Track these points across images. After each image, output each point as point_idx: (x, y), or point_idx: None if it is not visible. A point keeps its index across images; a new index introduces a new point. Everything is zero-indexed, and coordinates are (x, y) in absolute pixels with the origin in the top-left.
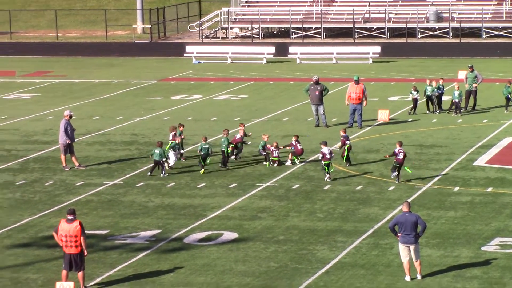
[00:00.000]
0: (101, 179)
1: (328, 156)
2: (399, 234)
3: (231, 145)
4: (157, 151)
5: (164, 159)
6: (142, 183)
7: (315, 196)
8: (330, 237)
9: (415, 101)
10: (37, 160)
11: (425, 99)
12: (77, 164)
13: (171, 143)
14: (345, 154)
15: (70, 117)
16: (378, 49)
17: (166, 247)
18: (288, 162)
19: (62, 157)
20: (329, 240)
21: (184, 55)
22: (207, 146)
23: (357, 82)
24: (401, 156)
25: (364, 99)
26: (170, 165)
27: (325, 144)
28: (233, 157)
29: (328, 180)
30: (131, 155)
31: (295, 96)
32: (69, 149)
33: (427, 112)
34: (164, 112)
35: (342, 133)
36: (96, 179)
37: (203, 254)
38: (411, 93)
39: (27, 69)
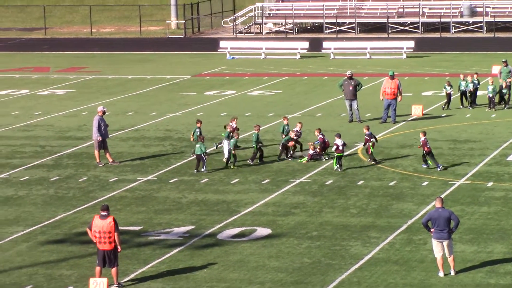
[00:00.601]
0: (134, 175)
1: (341, 148)
2: (432, 230)
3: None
4: (198, 145)
5: (204, 153)
6: (175, 179)
7: (348, 191)
8: (364, 233)
9: (449, 96)
10: (71, 156)
11: (459, 94)
12: (110, 160)
13: (226, 133)
14: (370, 150)
15: (104, 113)
16: (412, 44)
17: (199, 243)
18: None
19: (96, 153)
20: (362, 236)
21: (218, 50)
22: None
23: (392, 77)
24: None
25: (398, 94)
26: (225, 157)
27: (339, 136)
28: (289, 157)
29: (339, 170)
30: (165, 151)
31: (329, 91)
32: (103, 145)
33: (461, 107)
34: (197, 107)
35: (365, 131)
36: (129, 175)
37: (236, 250)
38: (444, 88)
39: (61, 64)
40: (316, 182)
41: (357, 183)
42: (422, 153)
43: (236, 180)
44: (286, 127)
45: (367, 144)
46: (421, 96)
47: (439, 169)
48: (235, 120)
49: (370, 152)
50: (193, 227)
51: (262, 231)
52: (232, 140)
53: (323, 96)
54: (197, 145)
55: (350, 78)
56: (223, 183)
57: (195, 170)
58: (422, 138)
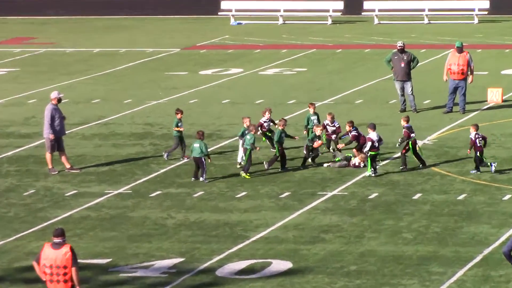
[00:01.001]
0: (101, 187)
1: (376, 145)
2: None
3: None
4: (196, 145)
5: (205, 156)
6: (158, 192)
7: (400, 209)
8: (422, 267)
9: None
10: (13, 160)
11: None
12: (68, 165)
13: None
14: (406, 149)
15: (59, 100)
16: (486, 4)
17: (191, 283)
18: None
19: (48, 156)
20: (420, 271)
21: (219, 13)
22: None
23: (460, 50)
24: (479, 144)
25: (469, 73)
26: (238, 161)
27: (373, 127)
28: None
29: (372, 175)
30: (144, 152)
31: (372, 69)
32: (57, 145)
33: None
34: (190, 92)
35: (403, 123)
36: (94, 187)
37: None
38: None
39: (1, 34)
40: (355, 195)
41: (412, 197)
42: (474, 155)
43: (244, 193)
44: (313, 119)
45: (404, 141)
46: (500, 76)
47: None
48: (268, 112)
49: (404, 152)
50: (182, 259)
51: (280, 265)
52: (248, 137)
53: (364, 76)
54: (195, 144)
55: (402, 51)
56: (225, 197)
57: (192, 179)
58: (473, 134)
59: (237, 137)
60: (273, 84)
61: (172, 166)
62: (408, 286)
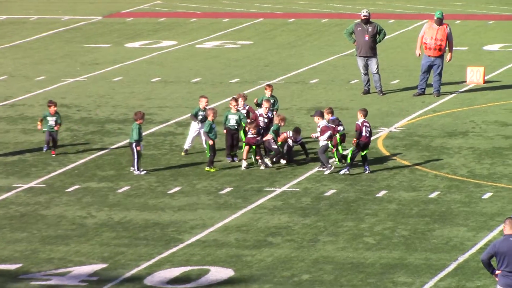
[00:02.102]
0: (8, 180)
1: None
2: (497, 272)
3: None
4: (134, 128)
5: (137, 141)
6: (76, 187)
7: (361, 208)
8: (386, 277)
9: None
10: None
11: None
12: None
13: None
14: (337, 148)
15: None
16: None
17: None
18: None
19: None
20: (384, 282)
21: None
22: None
23: (440, 21)
24: (367, 133)
25: (447, 49)
26: (185, 147)
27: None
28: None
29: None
30: (60, 140)
31: (331, 43)
32: None
33: None
34: (114, 68)
35: (327, 115)
36: (1, 180)
37: None
38: None
39: None
40: (309, 192)
41: (376, 195)
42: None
43: (177, 188)
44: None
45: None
46: (482, 52)
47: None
48: (242, 98)
49: (336, 150)
50: (105, 265)
51: (219, 272)
52: (207, 123)
53: (321, 51)
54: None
55: (367, 21)
56: (155, 193)
57: (133, 169)
58: (361, 120)
59: (190, 118)
60: (212, 60)
61: (93, 156)
62: None
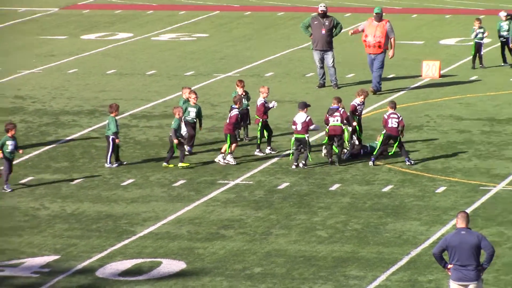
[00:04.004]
0: None
1: (299, 128)
2: (449, 266)
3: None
4: (111, 121)
5: (115, 133)
6: (29, 178)
7: (314, 201)
8: (338, 270)
9: (478, 46)
10: None
11: (499, 44)
12: None
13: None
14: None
15: None
16: None
17: (67, 284)
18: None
19: None
20: (336, 275)
21: None
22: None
23: (379, 17)
24: (394, 124)
25: (388, 46)
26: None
27: (303, 106)
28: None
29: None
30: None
31: (287, 36)
32: None
33: (503, 64)
34: (69, 60)
35: (334, 104)
36: None
37: None
38: (473, 32)
39: None
40: (262, 185)
41: (329, 188)
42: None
43: (130, 180)
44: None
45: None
46: (438, 46)
47: (408, 163)
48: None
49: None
50: (57, 257)
51: (171, 265)
52: (175, 120)
53: (277, 45)
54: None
55: (324, 15)
56: (109, 185)
57: (107, 163)
58: (389, 112)
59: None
60: (168, 52)
61: (47, 148)
62: None
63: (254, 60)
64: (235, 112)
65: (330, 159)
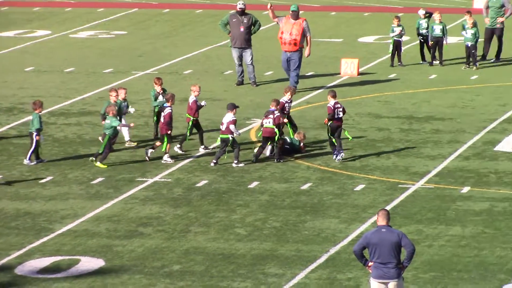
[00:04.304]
0: None
1: (223, 128)
2: (370, 264)
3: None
4: (107, 121)
5: (38, 130)
6: None
7: (233, 199)
8: (257, 268)
9: (397, 44)
10: None
11: (418, 42)
12: None
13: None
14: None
15: None
16: None
17: None
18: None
19: None
20: (255, 273)
21: None
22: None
23: (296, 15)
24: (340, 114)
25: (304, 44)
26: (127, 139)
27: (232, 107)
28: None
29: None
30: None
31: (205, 33)
32: None
33: (422, 62)
34: None
35: (272, 107)
36: None
37: None
38: (392, 30)
39: None
40: (181, 183)
41: (248, 186)
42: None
43: (49, 178)
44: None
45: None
46: (357, 44)
47: (335, 158)
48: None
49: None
50: None
51: (90, 262)
52: (108, 121)
53: (195, 42)
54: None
55: (242, 13)
56: (27, 182)
57: (26, 160)
58: (332, 102)
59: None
60: (86, 50)
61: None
62: None
63: (172, 57)
64: (168, 110)
65: (254, 158)
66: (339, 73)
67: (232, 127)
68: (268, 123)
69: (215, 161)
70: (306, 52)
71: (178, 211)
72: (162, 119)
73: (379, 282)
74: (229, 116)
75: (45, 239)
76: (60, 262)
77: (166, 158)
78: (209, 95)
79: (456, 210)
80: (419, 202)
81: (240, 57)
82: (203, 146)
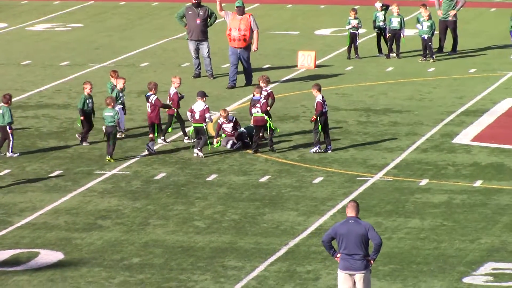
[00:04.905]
0: None
1: (197, 117)
2: (338, 255)
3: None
4: (109, 113)
5: (10, 123)
6: None
7: (192, 192)
8: (216, 261)
9: (353, 36)
10: None
11: (375, 34)
12: None
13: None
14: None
15: None
16: None
17: None
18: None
19: None
20: (214, 266)
21: None
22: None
23: (242, 11)
24: (326, 108)
25: (252, 40)
26: (121, 128)
27: (202, 95)
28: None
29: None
30: None
31: (161, 26)
32: None
33: (379, 55)
34: None
35: (255, 94)
36: None
37: (5, 287)
38: (349, 23)
39: None
40: (139, 175)
41: (206, 179)
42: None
43: (7, 171)
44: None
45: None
46: (314, 37)
47: (327, 151)
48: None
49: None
50: None
51: (49, 255)
52: (111, 113)
53: (152, 35)
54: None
55: (198, 5)
56: None
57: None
58: (319, 97)
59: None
60: (43, 42)
61: None
62: (199, 282)
63: (129, 50)
64: (154, 97)
65: (256, 148)
66: (296, 66)
67: (208, 115)
68: (257, 112)
69: (199, 149)
70: (253, 46)
71: (137, 203)
72: (149, 109)
73: (346, 273)
74: (201, 104)
75: (3, 232)
76: (19, 255)
77: (151, 146)
78: (166, 88)
79: (415, 202)
80: (377, 194)
81: (197, 50)
82: (162, 138)
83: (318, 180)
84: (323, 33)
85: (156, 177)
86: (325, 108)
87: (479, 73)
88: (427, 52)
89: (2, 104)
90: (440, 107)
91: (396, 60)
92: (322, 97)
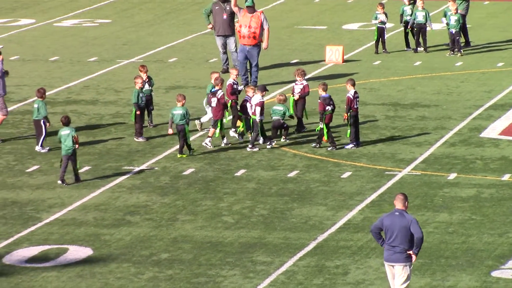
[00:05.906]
0: None
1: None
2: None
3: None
4: (179, 111)
5: (46, 117)
6: None
7: (220, 187)
8: (245, 256)
9: (381, 30)
10: None
11: (402, 28)
12: None
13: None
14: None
15: None
16: None
17: None
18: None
19: None
20: (243, 261)
21: None
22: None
23: (252, 9)
24: (357, 105)
25: (262, 38)
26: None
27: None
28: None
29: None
30: None
31: (189, 21)
32: None
33: (407, 49)
34: None
35: (321, 92)
36: None
37: (34, 283)
38: (375, 18)
39: None
40: (168, 171)
41: (234, 174)
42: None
43: (35, 167)
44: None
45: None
46: (341, 31)
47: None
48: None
49: (325, 132)
50: None
51: (78, 251)
52: (180, 111)
53: (180, 30)
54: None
55: (225, 0)
56: (13, 171)
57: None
58: (352, 92)
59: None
60: (71, 38)
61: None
62: (228, 277)
63: (157, 45)
64: (221, 93)
65: (332, 146)
66: (324, 61)
67: (257, 109)
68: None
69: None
70: (264, 44)
71: (166, 199)
72: (214, 104)
73: (388, 264)
74: (257, 98)
75: (32, 228)
76: (48, 251)
77: (207, 142)
78: (195, 83)
79: (443, 196)
80: (406, 189)
81: (224, 45)
82: (233, 130)
83: (346, 174)
84: (350, 27)
85: (185, 173)
86: (356, 104)
87: (507, 67)
88: (455, 46)
89: (37, 98)
90: (468, 101)
91: (424, 54)
92: (355, 92)
